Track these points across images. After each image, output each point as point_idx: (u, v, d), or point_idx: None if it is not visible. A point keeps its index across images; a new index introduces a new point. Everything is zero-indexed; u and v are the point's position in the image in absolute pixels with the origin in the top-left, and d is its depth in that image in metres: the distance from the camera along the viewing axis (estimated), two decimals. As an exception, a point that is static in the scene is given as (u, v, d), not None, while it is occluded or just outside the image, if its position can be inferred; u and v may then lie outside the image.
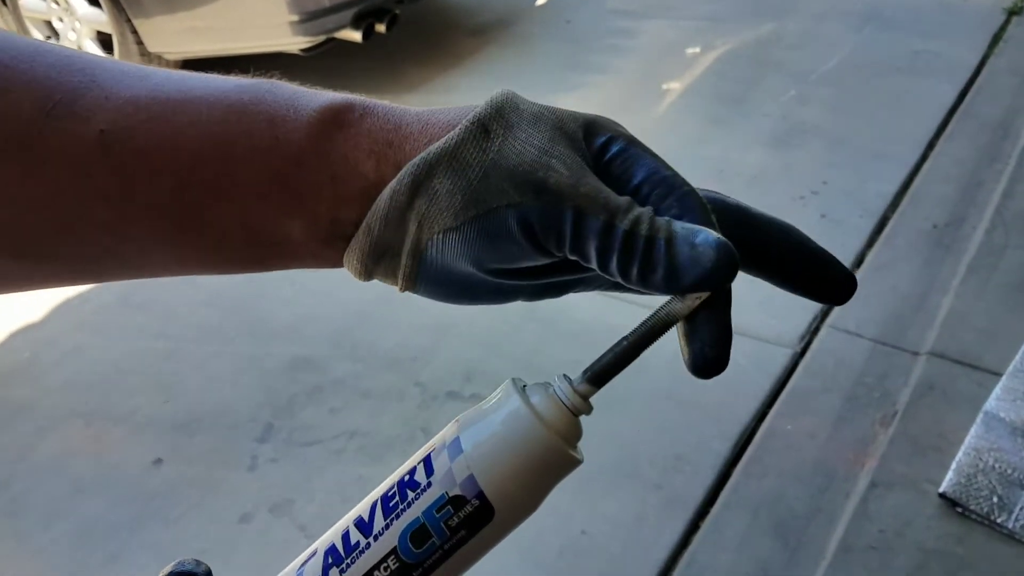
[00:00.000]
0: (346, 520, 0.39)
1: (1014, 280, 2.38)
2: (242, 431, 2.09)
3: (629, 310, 2.37)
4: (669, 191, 0.38)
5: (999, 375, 2.05)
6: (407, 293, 0.41)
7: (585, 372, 0.38)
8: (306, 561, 0.40)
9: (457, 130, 0.38)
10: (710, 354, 0.37)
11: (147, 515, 1.89)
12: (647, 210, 0.36)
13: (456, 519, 0.36)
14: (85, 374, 2.27)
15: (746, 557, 1.73)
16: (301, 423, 2.10)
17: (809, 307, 2.35)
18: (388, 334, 2.36)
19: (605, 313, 2.39)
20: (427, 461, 0.38)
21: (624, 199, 0.37)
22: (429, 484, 0.37)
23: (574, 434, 0.38)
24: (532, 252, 0.37)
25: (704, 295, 0.36)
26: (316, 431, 2.08)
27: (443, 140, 0.38)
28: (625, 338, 0.38)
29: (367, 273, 0.40)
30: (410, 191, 0.37)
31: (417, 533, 0.37)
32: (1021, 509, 1.75)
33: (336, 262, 0.40)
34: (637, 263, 0.35)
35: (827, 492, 1.84)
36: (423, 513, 0.37)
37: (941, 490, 1.79)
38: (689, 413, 2.05)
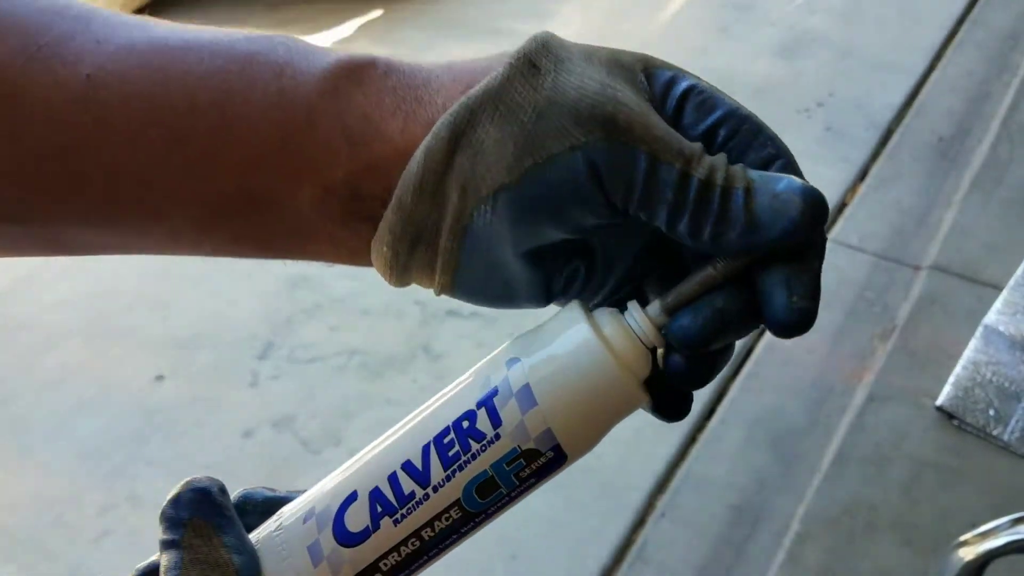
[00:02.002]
0: (389, 458, 0.36)
1: (1018, 194, 2.36)
2: (242, 348, 2.09)
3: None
4: (749, 136, 0.33)
5: (1000, 289, 2.04)
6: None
7: (663, 299, 0.34)
8: (345, 504, 0.36)
9: (500, 69, 0.32)
10: (800, 305, 0.32)
11: (150, 431, 1.91)
12: (721, 157, 0.32)
13: (528, 470, 0.34)
14: (82, 292, 2.26)
15: (742, 469, 1.76)
16: (301, 340, 2.11)
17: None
18: (386, 251, 2.35)
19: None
20: (491, 409, 0.34)
21: (697, 145, 0.32)
22: (497, 436, 0.34)
23: (646, 372, 0.35)
24: (597, 208, 0.32)
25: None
26: (316, 348, 2.08)
27: (484, 82, 0.32)
28: (713, 266, 0.33)
29: (401, 268, 0.34)
30: (449, 146, 0.32)
31: (484, 485, 0.34)
32: (1017, 421, 1.77)
33: (357, 251, 0.35)
34: (711, 219, 0.31)
35: (824, 406, 1.86)
36: (492, 466, 0.34)
37: (938, 403, 1.80)
38: (688, 328, 2.05)
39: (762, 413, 1.86)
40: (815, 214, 0.31)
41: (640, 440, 1.83)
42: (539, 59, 0.32)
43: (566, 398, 0.34)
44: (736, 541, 1.64)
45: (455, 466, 0.34)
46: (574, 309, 0.35)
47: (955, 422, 1.78)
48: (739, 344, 1.74)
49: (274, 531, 0.37)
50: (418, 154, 0.32)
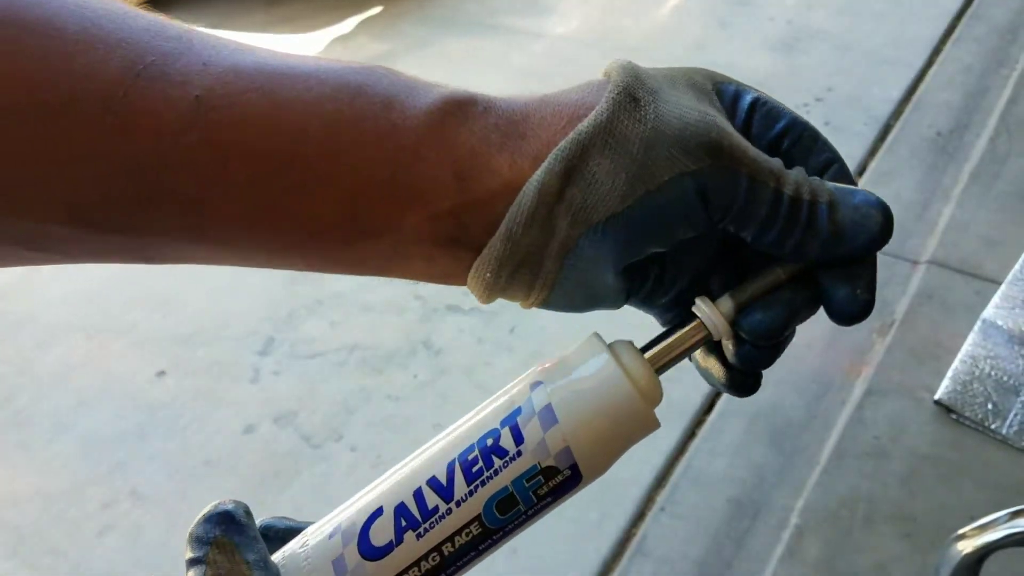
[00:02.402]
0: (415, 475, 0.37)
1: (1016, 188, 2.36)
2: (243, 344, 2.10)
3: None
4: (809, 142, 0.36)
5: (998, 283, 2.05)
6: None
7: (734, 297, 0.38)
8: (371, 520, 0.37)
9: (604, 103, 0.34)
10: (864, 298, 0.35)
11: (152, 426, 1.92)
12: (800, 171, 0.35)
13: (546, 488, 0.36)
14: (83, 288, 2.27)
15: (741, 463, 1.76)
16: (302, 336, 2.11)
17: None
18: (386, 246, 2.35)
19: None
20: (514, 428, 0.36)
21: (778, 161, 0.35)
22: (519, 453, 0.36)
23: (660, 397, 0.38)
24: (699, 226, 0.35)
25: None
26: (317, 344, 2.09)
27: (591, 117, 0.34)
28: (780, 268, 0.37)
29: (498, 288, 0.35)
30: (561, 180, 0.33)
31: (504, 501, 0.36)
32: (1015, 415, 1.78)
33: (449, 271, 0.36)
34: (798, 231, 0.34)
35: (823, 400, 1.87)
36: (512, 483, 0.36)
37: (936, 397, 1.81)
38: (688, 323, 2.06)
39: (761, 407, 1.86)
40: (890, 226, 0.34)
41: (640, 434, 1.84)
42: (637, 91, 0.34)
43: (586, 419, 0.36)
44: (735, 535, 1.65)
45: (478, 482, 0.36)
46: (594, 340, 0.38)
47: (953, 416, 1.79)
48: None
49: (299, 549, 0.38)
50: (530, 188, 0.33)
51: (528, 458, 0.36)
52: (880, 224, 0.34)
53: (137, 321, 2.17)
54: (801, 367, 1.94)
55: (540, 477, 0.36)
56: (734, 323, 0.37)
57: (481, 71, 3.06)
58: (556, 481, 0.36)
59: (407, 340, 2.08)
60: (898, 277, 2.14)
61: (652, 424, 0.37)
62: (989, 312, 1.97)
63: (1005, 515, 1.24)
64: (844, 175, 0.37)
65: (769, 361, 0.38)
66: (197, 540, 0.36)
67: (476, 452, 0.36)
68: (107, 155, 0.31)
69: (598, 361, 0.37)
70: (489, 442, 0.36)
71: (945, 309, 2.03)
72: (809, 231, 0.34)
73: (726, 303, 0.38)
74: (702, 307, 0.38)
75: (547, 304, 0.37)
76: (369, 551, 0.36)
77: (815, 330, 2.00)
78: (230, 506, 0.38)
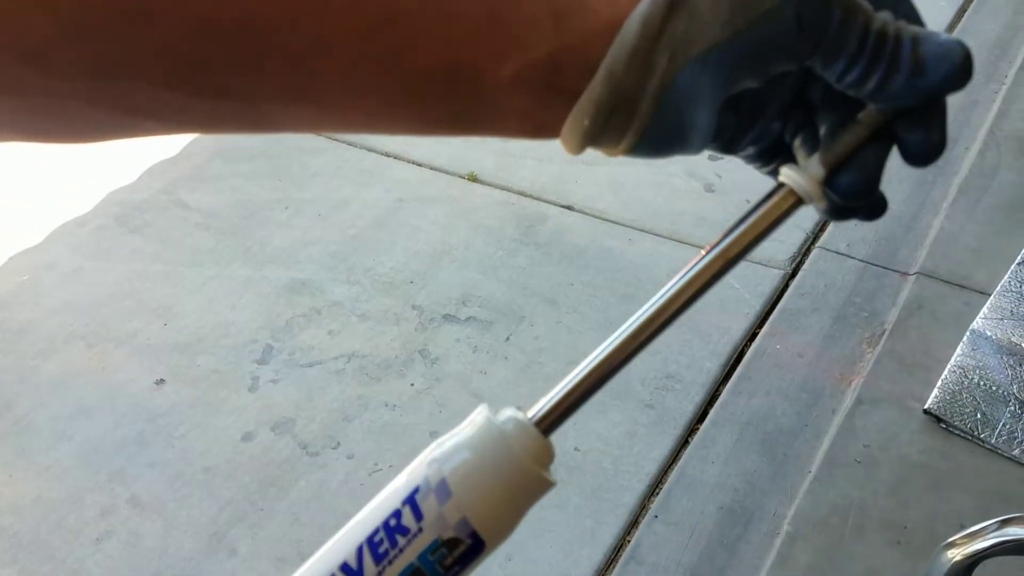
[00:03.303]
0: (328, 560, 0.39)
1: (1005, 201, 2.40)
2: (242, 353, 2.12)
3: (625, 233, 2.39)
4: None
5: (987, 295, 2.08)
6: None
7: (823, 156, 0.38)
8: None
9: None
10: (936, 139, 0.37)
11: (151, 434, 1.94)
12: (887, 13, 0.35)
13: (451, 559, 0.38)
14: (84, 296, 2.29)
15: (733, 471, 1.79)
16: (300, 345, 2.13)
17: (801, 228, 2.37)
18: (383, 258, 2.38)
19: (600, 237, 2.42)
20: (413, 504, 0.38)
21: (866, 2, 0.35)
22: (420, 529, 0.38)
23: (548, 456, 0.39)
24: (793, 57, 0.35)
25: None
26: (315, 352, 2.11)
27: None
28: (861, 123, 0.38)
29: (593, 136, 0.35)
30: (664, 13, 0.33)
31: None
32: (1004, 424, 1.80)
33: (545, 125, 0.36)
34: (882, 65, 0.34)
35: (814, 409, 1.89)
36: (418, 558, 0.37)
37: (926, 407, 1.84)
38: (681, 333, 2.08)
39: (753, 416, 1.89)
40: (970, 63, 0.34)
41: (633, 442, 1.87)
42: None
43: (478, 489, 0.38)
44: (728, 542, 1.67)
45: (385, 561, 0.38)
46: (481, 412, 0.39)
47: (943, 425, 1.82)
48: (730, 348, 1.76)
49: None
50: (633, 23, 0.33)
51: (429, 533, 0.37)
52: (961, 57, 0.34)
53: (137, 330, 2.19)
54: (792, 376, 1.96)
55: (444, 549, 0.37)
56: (826, 185, 0.38)
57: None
58: (460, 551, 0.38)
59: (404, 349, 2.10)
60: (888, 288, 2.17)
61: (544, 484, 0.39)
62: (978, 323, 2.00)
63: (994, 523, 1.26)
64: (923, 25, 0.37)
65: (866, 211, 0.40)
66: None
67: (381, 533, 0.38)
68: (214, 16, 0.31)
69: (485, 433, 0.38)
70: (392, 522, 0.38)
71: (934, 320, 2.06)
72: (892, 65, 0.34)
73: (815, 167, 0.38)
74: (791, 174, 0.38)
75: (634, 150, 0.36)
76: None
77: (805, 338, 2.03)
78: None
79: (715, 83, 0.34)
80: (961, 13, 3.35)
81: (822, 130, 0.39)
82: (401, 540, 0.38)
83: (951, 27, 3.26)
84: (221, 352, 2.13)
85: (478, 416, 0.40)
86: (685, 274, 0.39)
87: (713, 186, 2.59)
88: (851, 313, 2.12)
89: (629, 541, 1.69)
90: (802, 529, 1.66)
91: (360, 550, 0.38)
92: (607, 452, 1.85)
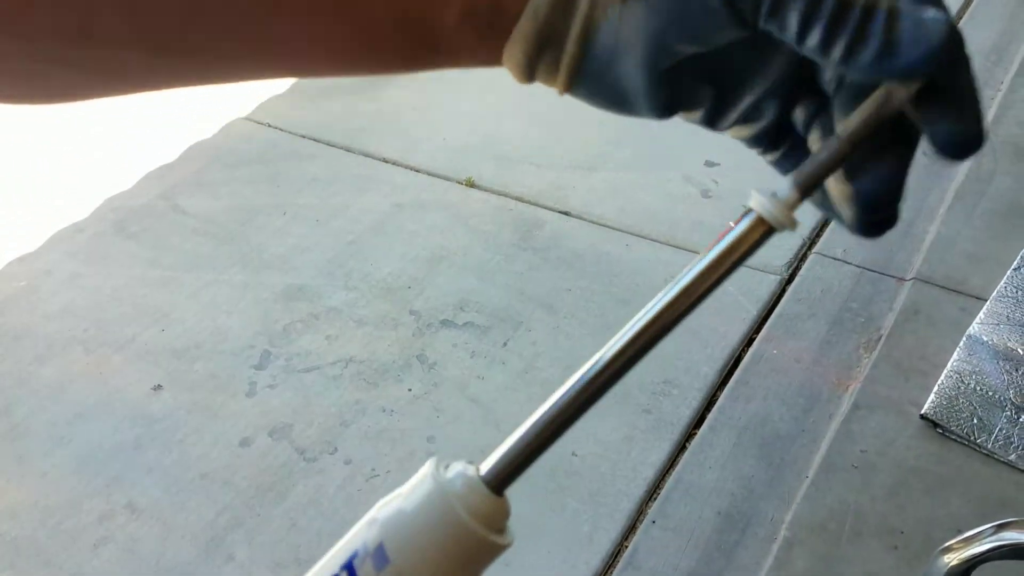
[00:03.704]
0: None
1: (1001, 206, 2.41)
2: (240, 358, 2.12)
3: (622, 238, 2.39)
4: None
5: (983, 300, 2.09)
6: None
7: (794, 178, 0.34)
8: None
9: None
10: (973, 129, 0.33)
11: (148, 439, 1.94)
12: None
13: None
14: (82, 302, 2.29)
15: (731, 475, 1.79)
16: (298, 350, 2.13)
17: (797, 234, 2.37)
18: (381, 263, 2.38)
19: (598, 242, 2.42)
20: (350, 570, 0.36)
21: None
22: None
23: (501, 516, 0.37)
24: (723, 22, 0.32)
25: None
26: (313, 358, 2.11)
27: None
28: (836, 136, 0.33)
29: (529, 68, 0.36)
30: None
31: None
32: (1000, 429, 1.81)
33: (494, 59, 0.37)
34: (847, 34, 0.30)
35: (811, 414, 1.90)
36: None
37: (923, 411, 1.84)
38: (679, 339, 2.09)
39: (750, 421, 1.89)
40: (955, 42, 0.30)
41: (630, 448, 1.87)
42: None
43: (416, 554, 0.35)
44: (725, 547, 1.68)
45: None
46: (427, 468, 0.37)
47: (939, 430, 1.82)
48: (727, 353, 1.76)
49: None
50: None
51: None
52: (940, 39, 0.30)
53: (134, 335, 2.19)
54: (789, 381, 1.97)
55: None
56: (848, 198, 0.35)
57: (477, 91, 3.10)
58: None
59: (401, 354, 2.11)
60: (885, 293, 2.18)
61: (493, 548, 0.36)
62: (974, 328, 2.01)
63: (991, 528, 1.27)
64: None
65: (890, 217, 0.36)
66: None
67: None
68: None
69: (428, 493, 0.36)
70: None
71: (931, 325, 2.07)
72: (859, 37, 0.30)
73: (787, 189, 0.34)
74: (759, 198, 0.35)
75: (576, 91, 0.37)
76: None
77: (802, 343, 2.04)
78: None
79: (643, 39, 0.34)
80: (957, 20, 3.36)
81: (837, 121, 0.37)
82: None
83: (947, 33, 3.27)
84: (219, 357, 2.13)
85: (423, 472, 0.37)
86: (648, 312, 0.36)
87: (710, 192, 2.60)
88: (848, 318, 2.12)
89: (627, 546, 1.69)
90: (799, 534, 1.66)
91: None
92: (605, 457, 1.85)
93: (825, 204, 0.39)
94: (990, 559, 1.21)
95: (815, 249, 2.33)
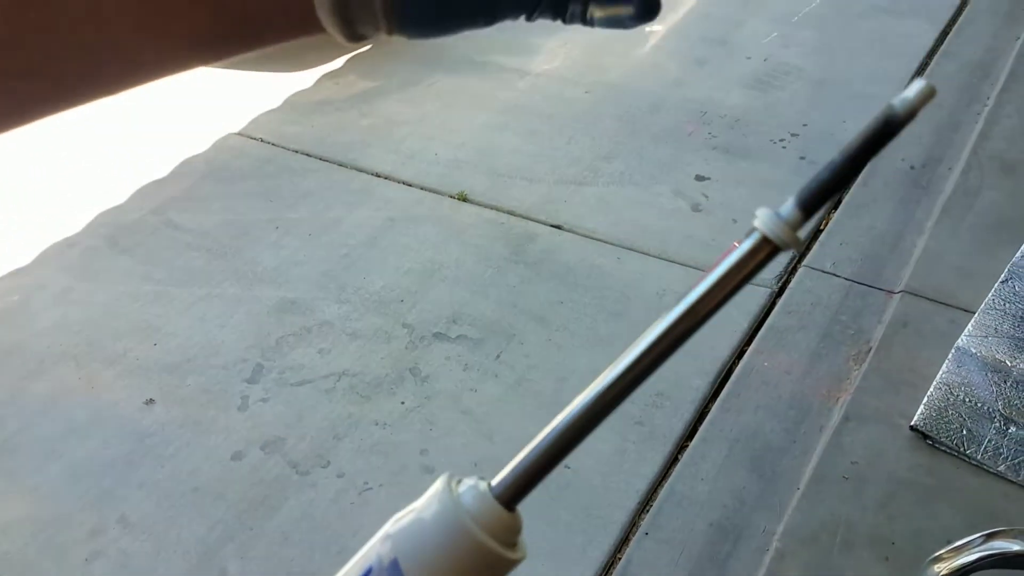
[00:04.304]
0: None
1: (988, 220, 2.43)
2: (232, 372, 2.12)
3: (614, 252, 2.41)
4: None
5: (971, 312, 2.10)
6: None
7: (797, 197, 0.33)
8: None
9: None
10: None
11: (140, 453, 1.93)
12: None
13: None
14: (74, 317, 2.29)
15: (723, 487, 1.80)
16: (290, 364, 2.14)
17: (788, 248, 2.39)
18: (373, 277, 2.39)
19: (589, 256, 2.43)
20: None
21: None
22: None
23: (513, 531, 0.37)
24: None
25: (930, 93, 0.31)
26: (305, 371, 2.12)
27: None
28: (840, 153, 0.33)
29: (346, 24, 0.37)
30: None
31: None
32: (989, 440, 1.82)
33: (314, 24, 0.38)
34: None
35: (802, 426, 1.91)
36: None
37: (912, 423, 1.85)
38: (670, 351, 2.09)
39: (742, 433, 1.90)
40: None
41: (623, 460, 1.87)
42: None
43: (430, 569, 0.35)
44: (718, 558, 1.68)
45: None
46: (439, 484, 0.37)
47: (929, 441, 1.83)
48: (719, 366, 1.77)
49: None
50: None
51: None
52: None
53: (127, 350, 2.19)
54: (780, 394, 1.98)
55: None
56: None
57: (469, 106, 3.12)
58: None
59: (394, 367, 2.11)
60: (874, 306, 2.19)
61: (505, 561, 0.36)
62: (963, 340, 2.03)
63: (980, 537, 1.28)
64: None
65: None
66: None
67: None
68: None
69: (441, 508, 0.36)
70: None
71: (920, 337, 2.08)
72: None
73: (790, 210, 0.34)
74: (766, 220, 0.34)
75: (403, 29, 0.38)
76: None
77: (793, 357, 2.05)
78: None
79: None
80: (943, 36, 3.40)
81: None
82: None
83: (933, 51, 3.32)
84: (211, 372, 2.13)
85: (436, 488, 0.37)
86: (655, 330, 0.37)
87: (700, 205, 2.62)
88: (837, 331, 2.14)
89: (620, 558, 1.70)
90: (791, 545, 1.67)
91: None
92: (598, 469, 1.86)
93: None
94: (980, 568, 1.22)
95: (805, 262, 2.35)
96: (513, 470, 0.37)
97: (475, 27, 0.39)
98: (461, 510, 0.36)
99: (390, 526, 0.37)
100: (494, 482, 0.37)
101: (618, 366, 0.37)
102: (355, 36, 0.37)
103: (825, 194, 0.33)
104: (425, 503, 0.37)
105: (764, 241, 0.34)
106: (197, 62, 0.39)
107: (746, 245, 0.35)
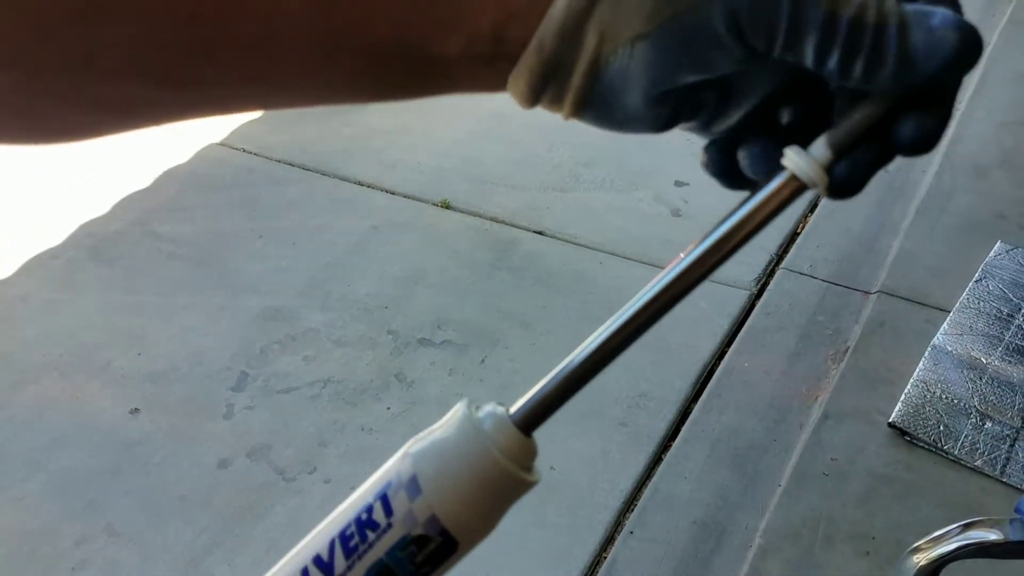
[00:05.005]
0: (302, 554, 0.39)
1: (961, 221, 2.48)
2: (217, 380, 2.13)
3: (596, 256, 2.43)
4: None
5: (947, 311, 2.15)
6: None
7: (828, 138, 0.35)
8: None
9: None
10: (931, 127, 0.33)
11: (126, 462, 1.94)
12: None
13: (421, 556, 0.37)
14: (58, 328, 2.29)
15: (706, 486, 1.82)
16: (276, 371, 2.15)
17: (765, 250, 2.43)
18: (358, 284, 2.40)
19: (572, 261, 2.46)
20: (384, 500, 0.37)
21: None
22: (390, 525, 0.37)
23: (529, 455, 0.38)
24: (735, 53, 0.33)
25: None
26: (291, 379, 2.12)
27: None
28: (870, 100, 0.34)
29: (533, 96, 0.37)
30: None
31: (382, 573, 0.37)
32: (966, 436, 1.86)
33: (498, 85, 0.38)
34: (863, 56, 0.31)
35: (782, 424, 1.94)
36: (387, 554, 0.37)
37: (890, 420, 1.89)
38: (652, 354, 2.12)
39: (723, 432, 1.93)
40: (970, 50, 0.31)
41: (607, 460, 1.90)
42: None
43: (448, 486, 0.37)
44: (702, 556, 1.70)
45: (355, 556, 0.37)
46: (459, 408, 0.38)
47: (907, 438, 1.86)
48: (700, 367, 1.80)
49: None
50: (560, 1, 0.34)
51: (398, 529, 0.37)
52: (954, 46, 0.30)
53: (110, 360, 2.19)
54: (760, 393, 2.01)
55: (413, 547, 0.37)
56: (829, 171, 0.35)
57: (451, 115, 3.14)
58: (430, 549, 0.37)
59: (380, 373, 2.12)
60: (851, 306, 2.23)
61: (522, 484, 0.38)
62: (939, 339, 2.07)
63: (957, 527, 1.31)
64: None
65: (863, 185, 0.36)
66: None
67: (353, 527, 0.38)
68: (166, 6, 0.33)
69: (461, 429, 0.37)
70: (364, 516, 0.38)
71: (896, 336, 2.12)
72: (875, 57, 0.31)
73: (821, 149, 0.35)
74: (794, 157, 0.35)
75: (581, 118, 0.38)
76: None
77: (772, 356, 2.08)
78: None
79: (648, 73, 0.34)
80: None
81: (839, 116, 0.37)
82: (371, 535, 0.37)
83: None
84: (196, 380, 2.13)
85: (456, 411, 0.39)
86: (680, 264, 0.38)
87: (680, 211, 2.65)
88: (816, 331, 2.17)
89: (605, 557, 1.72)
90: (774, 542, 1.70)
91: (332, 543, 0.38)
92: (582, 470, 1.88)
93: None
94: (958, 558, 1.25)
95: (783, 265, 2.39)
96: (531, 398, 0.38)
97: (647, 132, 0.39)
98: (481, 432, 0.37)
99: (410, 445, 0.39)
100: (512, 409, 0.38)
101: (638, 301, 0.38)
102: (535, 106, 0.38)
103: (858, 135, 0.34)
104: (444, 425, 0.38)
105: (792, 179, 0.35)
106: (355, 100, 0.39)
107: (774, 183, 0.36)
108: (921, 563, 1.26)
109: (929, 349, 2.04)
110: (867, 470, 1.82)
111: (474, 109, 3.17)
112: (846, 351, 2.09)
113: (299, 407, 2.05)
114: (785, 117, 0.39)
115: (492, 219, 2.63)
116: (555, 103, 0.37)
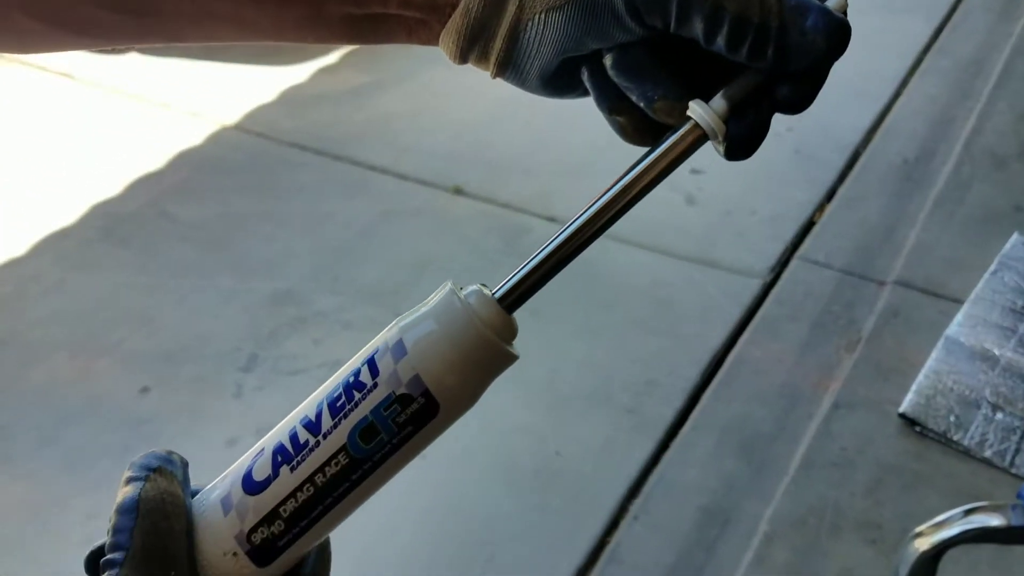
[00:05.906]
0: (292, 420, 0.41)
1: (979, 213, 2.45)
2: (226, 361, 2.13)
3: (607, 243, 2.42)
4: None
5: (961, 303, 2.12)
6: None
7: (724, 92, 0.39)
8: (254, 460, 0.42)
9: None
10: (806, 92, 0.39)
11: (135, 440, 1.95)
12: None
13: (404, 416, 0.39)
14: (69, 307, 2.30)
15: (713, 474, 1.81)
16: (285, 353, 2.15)
17: (780, 238, 2.41)
18: (368, 268, 2.40)
19: (581, 246, 2.45)
20: (371, 363, 0.40)
21: None
22: (375, 385, 0.39)
23: (509, 331, 0.41)
24: (632, 29, 0.38)
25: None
26: (300, 360, 2.13)
27: None
28: (748, 75, 0.39)
29: (461, 55, 0.42)
30: None
31: (366, 431, 0.39)
32: (976, 427, 1.84)
33: (430, 40, 0.43)
34: (746, 47, 0.36)
35: (791, 413, 1.92)
36: (371, 412, 0.39)
37: (901, 410, 1.87)
38: (662, 341, 2.11)
39: (732, 420, 1.91)
40: (837, 48, 0.37)
41: (614, 446, 1.89)
42: None
43: (432, 350, 0.39)
44: (706, 542, 1.69)
45: (341, 415, 0.39)
46: (445, 285, 0.41)
47: (917, 428, 1.85)
48: (710, 355, 1.79)
49: (207, 491, 0.44)
50: None
51: (383, 388, 0.39)
52: (823, 49, 0.36)
53: (121, 339, 2.20)
54: (771, 382, 1.99)
55: (396, 405, 0.39)
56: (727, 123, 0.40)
57: (465, 100, 3.13)
58: (413, 409, 0.39)
59: (388, 357, 2.12)
60: (865, 297, 2.21)
61: (503, 355, 0.40)
62: (952, 330, 2.04)
63: (960, 512, 1.30)
64: None
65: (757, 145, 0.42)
66: (141, 467, 0.43)
67: (340, 391, 0.40)
68: None
69: (446, 302, 0.40)
70: (351, 379, 0.40)
71: (910, 327, 2.10)
72: (756, 48, 0.36)
73: (719, 102, 0.39)
74: (696, 109, 0.39)
75: (504, 77, 0.43)
76: (250, 486, 0.41)
77: (784, 346, 2.07)
78: (173, 455, 0.45)
79: (559, 39, 0.40)
80: (938, 33, 3.42)
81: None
82: (357, 395, 0.39)
83: (927, 47, 3.33)
84: (205, 360, 2.14)
85: (442, 288, 0.41)
86: (593, 204, 0.41)
87: (694, 198, 2.63)
88: (829, 321, 2.15)
89: (609, 542, 1.71)
90: (779, 529, 1.69)
91: (320, 405, 0.40)
92: (588, 456, 1.87)
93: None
94: (960, 543, 1.24)
95: (798, 254, 2.36)
96: (512, 279, 0.41)
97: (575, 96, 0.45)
98: (466, 304, 0.40)
99: (397, 320, 0.41)
100: (495, 290, 0.41)
101: (599, 200, 0.42)
102: (463, 63, 0.43)
103: (746, 92, 0.39)
104: (431, 301, 0.41)
105: (694, 127, 0.40)
106: (303, 40, 0.44)
107: (679, 132, 0.40)
108: (923, 548, 1.25)
109: (942, 340, 2.02)
110: (876, 460, 1.80)
111: (488, 94, 3.16)
112: (859, 341, 2.07)
113: (307, 388, 2.01)
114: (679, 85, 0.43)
115: (504, 205, 2.62)
116: (481, 61, 0.42)
